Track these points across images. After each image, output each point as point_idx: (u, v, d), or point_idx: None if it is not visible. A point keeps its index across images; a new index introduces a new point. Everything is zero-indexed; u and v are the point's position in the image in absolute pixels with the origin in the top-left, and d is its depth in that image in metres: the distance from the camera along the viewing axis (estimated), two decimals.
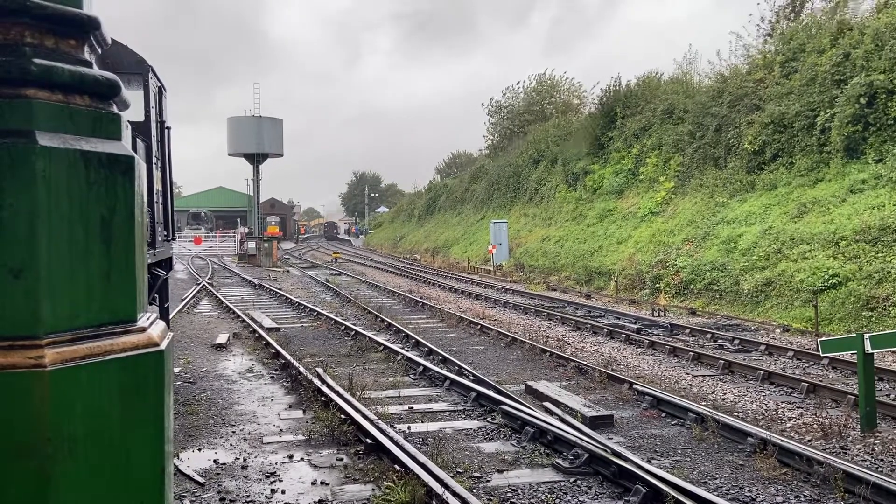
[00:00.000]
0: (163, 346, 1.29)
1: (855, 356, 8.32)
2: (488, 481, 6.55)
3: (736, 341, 13.44)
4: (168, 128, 11.06)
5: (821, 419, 8.30)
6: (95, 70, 1.27)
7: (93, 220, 1.20)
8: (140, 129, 9.33)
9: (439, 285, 27.20)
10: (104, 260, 1.21)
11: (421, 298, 21.31)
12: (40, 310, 1.13)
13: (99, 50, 1.34)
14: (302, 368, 10.59)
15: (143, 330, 1.27)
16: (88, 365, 1.16)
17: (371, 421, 7.76)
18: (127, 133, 1.32)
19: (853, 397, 8.78)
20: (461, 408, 9.12)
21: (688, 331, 14.93)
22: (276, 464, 7.07)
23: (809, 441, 7.62)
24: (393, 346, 12.90)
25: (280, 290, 24.28)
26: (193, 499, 6.20)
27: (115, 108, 1.30)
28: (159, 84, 10.52)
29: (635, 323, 16.12)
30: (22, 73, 1.15)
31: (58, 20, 1.21)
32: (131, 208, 1.26)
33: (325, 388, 9.30)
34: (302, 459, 7.19)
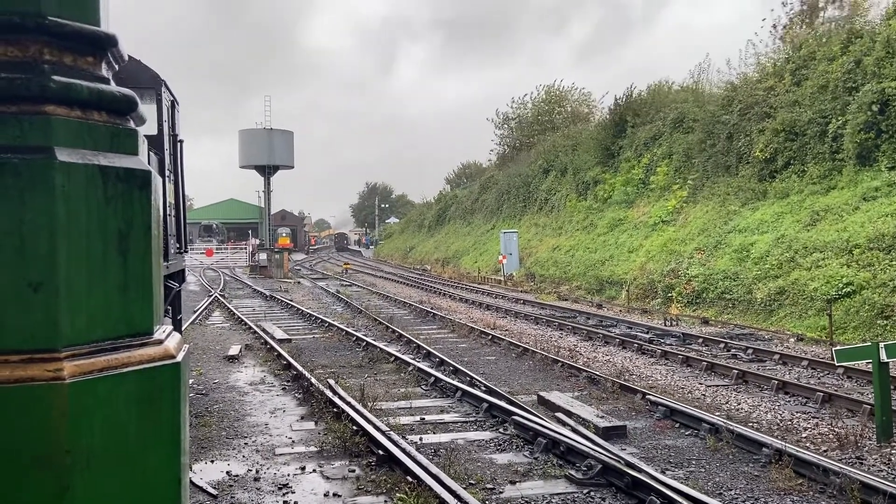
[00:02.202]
0: (179, 358, 1.29)
1: (870, 365, 8.24)
2: (501, 493, 6.52)
3: (749, 351, 13.34)
4: (181, 141, 11.14)
5: (836, 429, 8.21)
6: (113, 86, 1.28)
7: (111, 234, 1.21)
8: (153, 143, 9.40)
9: (450, 296, 27.17)
10: (121, 273, 1.22)
11: (431, 309, 21.29)
12: (59, 323, 1.14)
13: (116, 67, 1.35)
14: (313, 380, 10.59)
15: (160, 342, 1.28)
16: (106, 377, 1.17)
17: (383, 432, 7.74)
18: (144, 148, 1.33)
19: (869, 407, 8.69)
20: (473, 419, 9.09)
21: (700, 340, 14.83)
22: (288, 475, 7.07)
23: (825, 451, 7.55)
24: (404, 357, 12.89)
25: (291, 301, 24.33)
26: None
27: (132, 124, 1.32)
28: (172, 98, 10.61)
29: (647, 332, 16.03)
30: (41, 89, 1.16)
31: (76, 38, 1.23)
32: (148, 222, 1.27)
33: (336, 400, 9.30)
34: (314, 471, 7.18)
